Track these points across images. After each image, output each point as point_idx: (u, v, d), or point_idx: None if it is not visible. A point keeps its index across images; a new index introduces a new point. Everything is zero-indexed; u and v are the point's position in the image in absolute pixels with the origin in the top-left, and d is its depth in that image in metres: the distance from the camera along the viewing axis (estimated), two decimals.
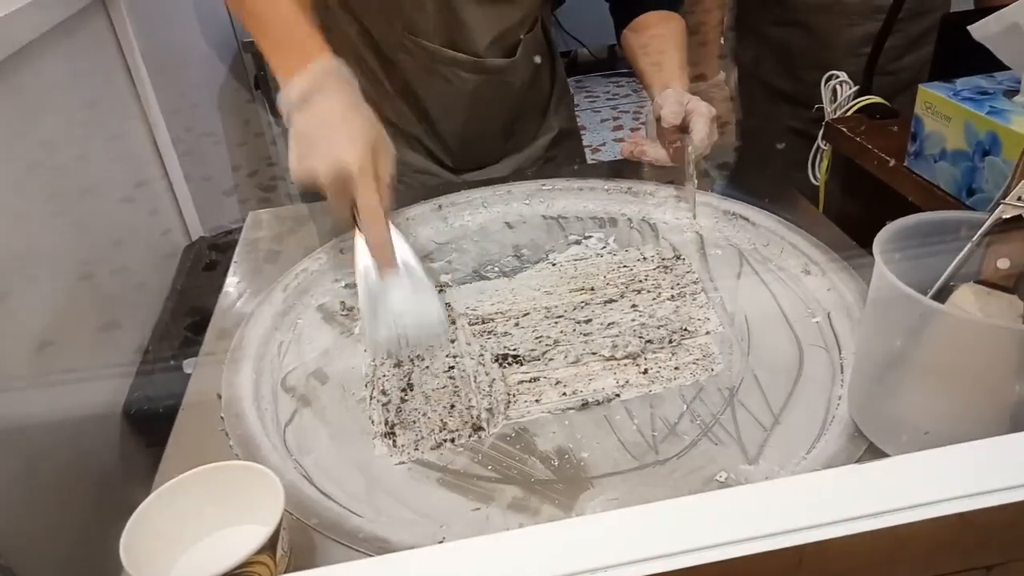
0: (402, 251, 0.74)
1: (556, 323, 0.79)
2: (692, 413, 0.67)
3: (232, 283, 0.89)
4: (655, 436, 0.65)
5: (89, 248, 1.21)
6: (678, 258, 0.89)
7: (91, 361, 1.17)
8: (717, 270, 0.87)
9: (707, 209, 0.96)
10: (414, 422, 0.68)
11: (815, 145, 1.15)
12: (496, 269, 0.90)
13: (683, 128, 0.93)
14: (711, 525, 0.37)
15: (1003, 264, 0.55)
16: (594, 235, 0.95)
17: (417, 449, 0.65)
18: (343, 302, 0.85)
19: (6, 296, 0.98)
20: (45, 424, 0.98)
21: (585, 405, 0.69)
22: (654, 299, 0.82)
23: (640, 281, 0.85)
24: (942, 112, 0.85)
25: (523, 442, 0.65)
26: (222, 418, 0.68)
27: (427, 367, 0.74)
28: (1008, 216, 0.55)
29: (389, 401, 0.70)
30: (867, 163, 1.01)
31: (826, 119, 1.12)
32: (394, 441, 0.66)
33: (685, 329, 0.77)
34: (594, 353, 0.74)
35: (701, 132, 0.90)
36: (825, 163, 1.13)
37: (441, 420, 0.68)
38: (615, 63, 4.12)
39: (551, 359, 0.74)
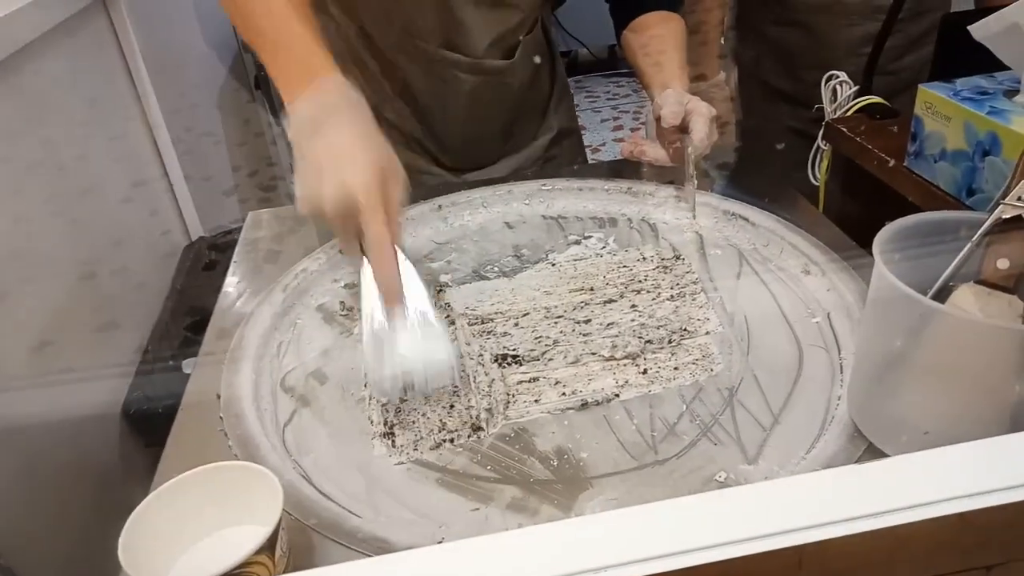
0: (412, 287, 0.68)
1: (556, 323, 0.79)
2: (691, 413, 0.67)
3: (232, 283, 0.89)
4: (654, 436, 0.65)
5: (89, 248, 1.21)
6: (678, 258, 0.89)
7: (90, 361, 1.16)
8: (717, 270, 0.87)
9: (707, 209, 0.96)
10: (413, 422, 0.68)
11: (815, 145, 1.15)
12: (496, 269, 0.89)
13: (683, 128, 0.93)
14: (710, 525, 0.37)
15: (1003, 264, 0.55)
16: (594, 235, 0.95)
17: (416, 449, 0.65)
18: (342, 302, 0.85)
19: (5, 296, 0.98)
20: (44, 424, 0.98)
21: (584, 405, 0.69)
22: (654, 299, 0.82)
23: (640, 281, 0.85)
24: (942, 112, 0.85)
25: (522, 442, 0.65)
26: (221, 418, 0.68)
27: None
28: (1008, 216, 0.55)
29: (388, 401, 0.70)
30: (867, 163, 1.01)
31: (826, 119, 1.12)
32: (393, 441, 0.66)
33: (685, 329, 0.77)
34: (593, 353, 0.74)
35: (701, 132, 0.90)
36: (825, 163, 1.13)
37: (440, 420, 0.67)
38: (615, 63, 4.12)
39: (550, 359, 0.74)
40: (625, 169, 1.06)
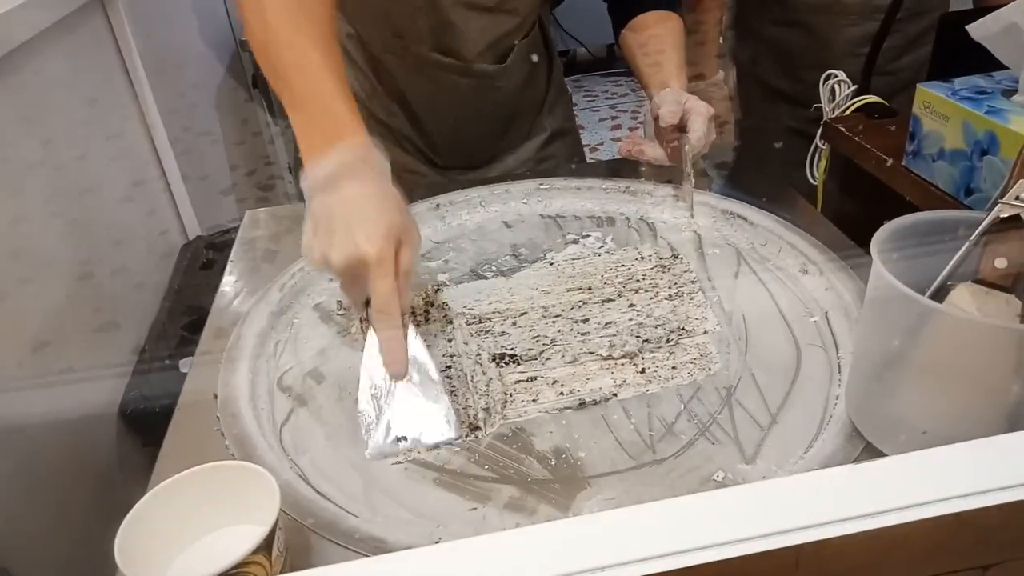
0: (415, 349, 0.66)
1: (553, 322, 0.79)
2: (689, 412, 0.67)
3: (229, 282, 0.89)
4: (652, 436, 0.65)
5: (86, 248, 1.21)
6: (676, 257, 0.89)
7: (88, 360, 1.16)
8: (715, 269, 0.86)
9: (705, 208, 0.96)
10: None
11: (813, 144, 1.15)
12: (494, 268, 0.89)
13: (681, 127, 0.93)
14: (708, 525, 0.36)
15: (1001, 263, 0.55)
16: (592, 234, 0.95)
17: (414, 449, 0.65)
18: (339, 302, 0.85)
19: (3, 296, 0.98)
20: (42, 424, 0.98)
21: (582, 405, 0.68)
22: (652, 298, 0.82)
23: (638, 280, 0.85)
24: (940, 111, 0.85)
25: (520, 442, 0.65)
26: (218, 418, 0.67)
27: None
28: (1006, 215, 0.55)
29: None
30: (865, 162, 1.01)
31: (824, 118, 1.12)
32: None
33: (683, 328, 0.77)
34: (591, 353, 0.74)
35: (699, 131, 0.90)
36: (823, 162, 1.13)
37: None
38: (613, 62, 4.12)
39: (548, 359, 0.74)
40: (623, 168, 1.06)
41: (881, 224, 0.59)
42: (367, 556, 0.54)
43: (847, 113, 1.10)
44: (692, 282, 0.84)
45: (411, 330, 0.66)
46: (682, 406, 0.68)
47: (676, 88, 0.95)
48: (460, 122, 1.10)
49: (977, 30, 0.83)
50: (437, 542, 0.56)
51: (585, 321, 0.79)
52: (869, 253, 0.56)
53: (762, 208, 0.93)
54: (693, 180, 0.95)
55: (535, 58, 1.11)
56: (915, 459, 0.39)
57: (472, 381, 0.72)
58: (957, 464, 0.39)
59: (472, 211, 1.01)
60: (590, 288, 0.84)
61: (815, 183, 1.16)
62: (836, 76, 1.11)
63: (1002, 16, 0.81)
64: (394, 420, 0.65)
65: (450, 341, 0.77)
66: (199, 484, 0.54)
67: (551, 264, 0.89)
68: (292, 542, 0.55)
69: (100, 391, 1.17)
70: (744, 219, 0.93)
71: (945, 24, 1.05)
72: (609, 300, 0.82)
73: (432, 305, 0.82)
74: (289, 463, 0.64)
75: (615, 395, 0.69)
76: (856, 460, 0.60)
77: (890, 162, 0.95)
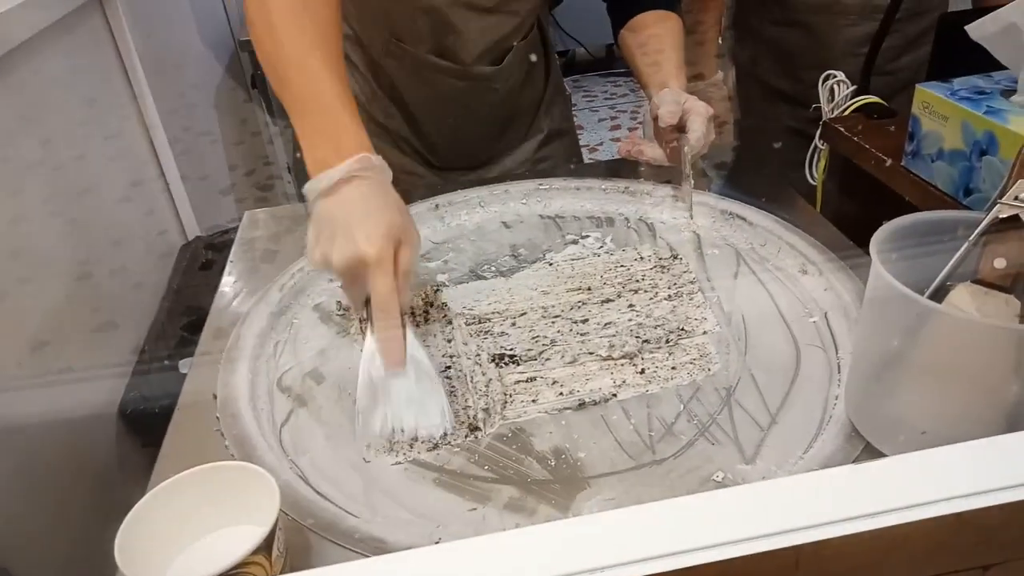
0: (412, 347, 0.67)
1: (553, 323, 0.79)
2: (689, 413, 0.67)
3: (228, 283, 0.89)
4: (652, 436, 0.65)
5: (85, 248, 1.21)
6: (675, 258, 0.89)
7: (87, 361, 1.16)
8: (714, 270, 0.87)
9: (704, 209, 0.96)
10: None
11: (812, 145, 1.15)
12: (493, 269, 0.89)
13: (680, 127, 0.93)
14: (708, 525, 0.36)
15: (1000, 264, 0.55)
16: (591, 235, 0.95)
17: (413, 449, 0.65)
18: (339, 302, 0.85)
19: (3, 296, 0.98)
20: (41, 424, 0.97)
21: (582, 405, 0.68)
22: (651, 299, 0.82)
23: (637, 281, 0.85)
24: (939, 112, 0.85)
25: (520, 442, 0.65)
26: (218, 418, 0.67)
27: None
28: (1005, 216, 0.55)
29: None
30: (864, 163, 1.01)
31: (824, 119, 1.12)
32: (390, 441, 0.66)
33: (682, 329, 0.77)
34: (591, 353, 0.74)
35: (698, 131, 0.90)
36: (822, 163, 1.13)
37: None
38: (613, 63, 4.12)
39: (548, 359, 0.74)
40: (622, 169, 1.06)
41: (880, 224, 0.59)
42: (367, 556, 0.54)
43: (846, 113, 1.10)
44: (691, 282, 0.84)
45: (409, 329, 0.67)
46: (682, 406, 0.68)
47: (675, 88, 0.95)
48: (458, 123, 1.10)
49: (976, 30, 0.83)
50: (437, 542, 0.56)
51: (584, 321, 0.79)
52: (868, 253, 0.56)
53: (761, 208, 0.93)
54: (692, 180, 0.95)
55: (533, 58, 1.11)
56: (915, 459, 0.39)
57: (472, 381, 0.72)
58: (957, 464, 0.39)
59: (471, 212, 1.01)
60: (589, 288, 0.84)
61: (814, 183, 1.16)
62: (835, 76, 1.11)
63: (1001, 16, 0.81)
64: (391, 414, 0.66)
65: (449, 341, 0.77)
66: (199, 484, 0.54)
67: (550, 264, 0.89)
68: (292, 542, 0.55)
69: (100, 391, 1.17)
70: (743, 219, 0.93)
71: (944, 24, 1.05)
72: (608, 300, 0.82)
73: (432, 305, 0.82)
74: (289, 463, 0.64)
75: (615, 395, 0.69)
76: (856, 460, 0.60)
77: (889, 162, 0.95)
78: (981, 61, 0.85)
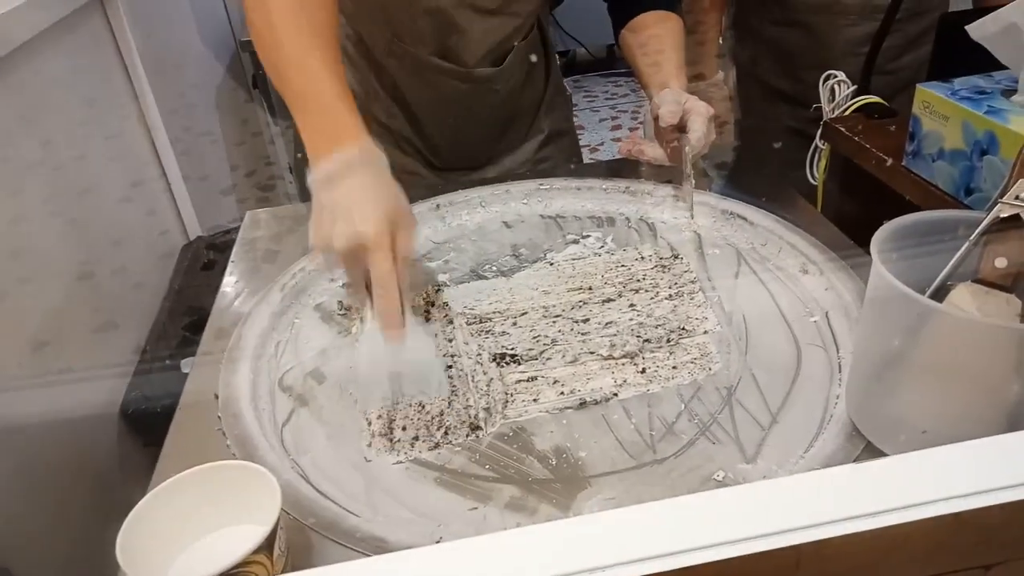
0: (409, 320, 0.70)
1: (554, 322, 0.79)
2: (690, 412, 0.67)
3: (230, 283, 0.89)
4: (653, 435, 0.65)
5: (87, 248, 1.21)
6: (676, 257, 0.89)
7: (89, 361, 1.16)
8: (715, 269, 0.87)
9: (705, 208, 0.96)
10: (412, 421, 0.68)
11: (813, 144, 1.15)
12: (494, 268, 0.89)
13: (681, 127, 0.93)
14: (709, 525, 0.36)
15: (1001, 263, 0.55)
16: (592, 234, 0.95)
17: (414, 448, 0.65)
18: (340, 302, 0.85)
19: (4, 296, 0.98)
20: (43, 424, 0.98)
21: (583, 404, 0.69)
22: (652, 298, 0.82)
23: (638, 280, 0.85)
24: (940, 111, 0.85)
25: (521, 441, 0.65)
26: (219, 418, 0.68)
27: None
28: (1006, 215, 0.55)
29: (386, 400, 0.70)
30: (865, 162, 1.01)
31: (824, 118, 1.12)
32: (391, 440, 0.66)
33: (683, 328, 0.77)
34: (592, 352, 0.74)
35: (699, 131, 0.90)
36: (823, 162, 1.13)
37: (439, 419, 0.67)
38: (613, 63, 4.12)
39: (549, 358, 0.74)
40: (623, 168, 1.06)
41: (881, 224, 0.59)
42: (368, 556, 0.54)
43: (847, 113, 1.10)
44: (692, 282, 0.84)
45: (407, 304, 0.70)
46: (682, 406, 0.68)
47: (676, 88, 0.95)
48: (459, 124, 1.10)
49: (976, 30, 0.83)
50: (438, 542, 0.56)
51: (585, 321, 0.79)
52: (869, 253, 0.56)
53: (762, 208, 0.93)
54: (693, 180, 0.95)
55: (533, 58, 1.11)
56: (916, 459, 0.39)
57: (473, 381, 0.72)
58: (958, 464, 0.39)
59: (472, 211, 1.01)
60: (590, 288, 0.84)
61: (815, 183, 1.16)
62: (836, 76, 1.11)
63: (1001, 16, 0.81)
64: (391, 378, 0.71)
65: (451, 341, 0.77)
66: (200, 484, 0.54)
67: (551, 264, 0.89)
68: (293, 542, 0.55)
69: (101, 391, 1.17)
70: (744, 219, 0.93)
71: (945, 24, 1.05)
72: (609, 300, 0.82)
73: (432, 305, 0.82)
74: (290, 463, 0.64)
75: (616, 395, 0.69)
76: (856, 460, 0.60)
77: (890, 162, 0.95)
78: (982, 61, 0.85)
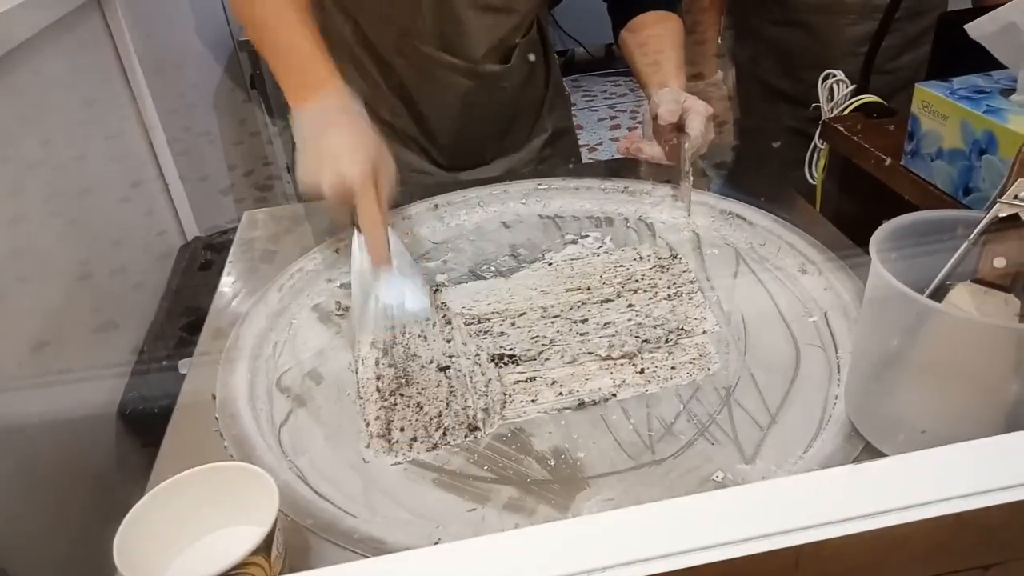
0: (396, 249, 0.80)
1: (552, 323, 0.79)
2: (689, 413, 0.67)
3: (227, 283, 0.88)
4: (651, 436, 0.65)
5: (85, 248, 1.21)
6: (675, 257, 0.89)
7: (87, 361, 1.16)
8: (714, 269, 0.86)
9: (704, 208, 0.96)
10: (410, 422, 0.67)
11: (812, 144, 1.15)
12: (492, 269, 0.89)
13: (679, 127, 0.93)
14: (708, 525, 0.36)
15: (999, 263, 0.55)
16: (590, 234, 0.95)
17: (412, 449, 0.65)
18: (338, 302, 0.85)
19: (3, 296, 0.98)
20: (40, 424, 0.97)
21: (581, 405, 0.68)
22: (650, 298, 0.82)
23: (636, 280, 0.85)
24: (939, 111, 0.85)
25: (519, 442, 0.65)
26: (217, 418, 0.67)
27: (422, 366, 0.74)
28: (1004, 215, 0.55)
29: (385, 401, 0.70)
30: (864, 162, 1.01)
31: (823, 118, 1.12)
32: (390, 441, 0.66)
33: (682, 328, 0.77)
34: (590, 353, 0.74)
35: (697, 130, 0.90)
36: (822, 162, 1.13)
37: (437, 420, 0.67)
38: (612, 62, 4.12)
39: (547, 359, 0.74)
40: (622, 168, 1.06)
41: (880, 224, 0.59)
42: (366, 557, 0.54)
43: (846, 113, 1.10)
44: (691, 282, 0.84)
45: (392, 235, 0.80)
46: (681, 406, 0.68)
47: (675, 87, 0.95)
48: (465, 122, 1.10)
49: (975, 29, 0.83)
50: (436, 543, 0.56)
51: (584, 321, 0.79)
52: (868, 253, 0.56)
53: (761, 208, 0.93)
54: (691, 178, 0.95)
55: (532, 57, 1.11)
56: (915, 459, 0.39)
57: (471, 381, 0.72)
58: (957, 464, 0.39)
59: (470, 211, 1.01)
60: (589, 288, 0.84)
61: (814, 183, 1.16)
62: (835, 76, 1.11)
63: (1000, 15, 0.81)
64: (382, 306, 0.78)
65: (449, 342, 0.77)
66: (198, 485, 0.54)
67: (550, 264, 0.89)
68: (291, 543, 0.55)
69: (99, 391, 1.17)
70: (743, 219, 0.93)
71: (944, 23, 1.05)
72: (608, 300, 0.82)
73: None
74: (288, 464, 0.64)
75: (614, 395, 0.69)
76: (855, 460, 0.59)
77: (889, 161, 0.95)
78: (980, 60, 0.85)
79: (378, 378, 0.73)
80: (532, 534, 0.37)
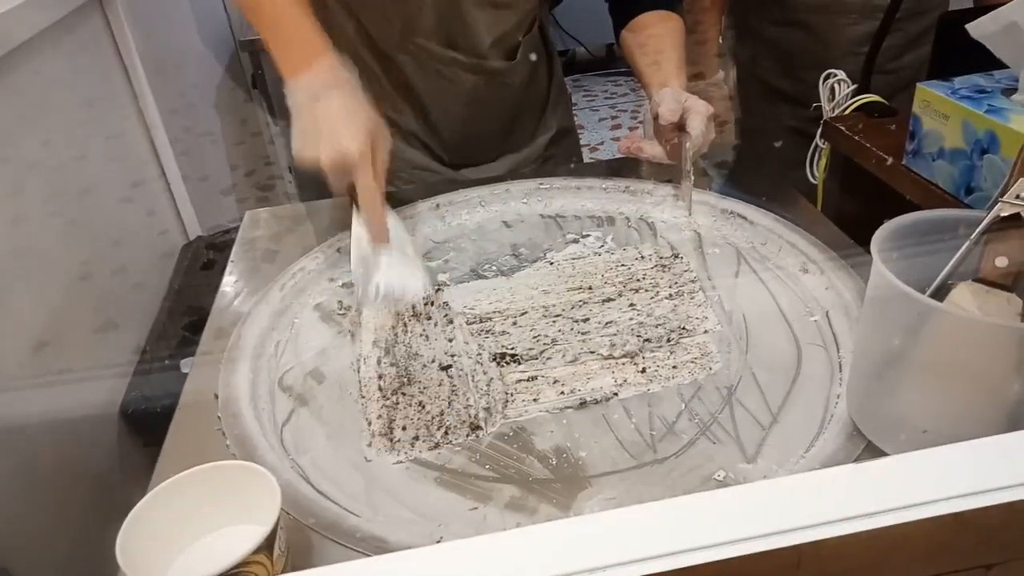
0: (393, 226, 0.83)
1: (554, 322, 0.79)
2: (690, 412, 0.67)
3: (229, 282, 0.89)
4: (653, 435, 0.65)
5: (87, 248, 1.21)
6: (676, 257, 0.89)
7: (89, 361, 1.16)
8: (715, 269, 0.86)
9: (705, 208, 0.96)
10: (412, 421, 0.68)
11: (813, 144, 1.14)
12: (494, 268, 0.89)
13: (680, 126, 0.93)
14: (709, 525, 0.36)
15: (1001, 262, 0.55)
16: (592, 234, 0.95)
17: (414, 448, 0.65)
18: (340, 301, 0.85)
19: (4, 296, 0.98)
20: (43, 424, 0.98)
21: (583, 404, 0.68)
22: (652, 298, 0.82)
23: (638, 280, 0.85)
24: (940, 110, 0.85)
25: (521, 441, 0.65)
26: (219, 418, 0.67)
27: (424, 365, 0.74)
28: (1006, 214, 0.55)
29: (387, 400, 0.70)
30: (865, 161, 1.01)
31: (824, 118, 1.12)
32: (392, 440, 0.66)
33: (683, 328, 0.77)
34: (592, 352, 0.74)
35: (698, 129, 0.90)
36: (823, 162, 1.13)
37: (439, 419, 0.67)
38: (613, 62, 4.12)
39: (549, 358, 0.74)
40: (623, 168, 1.06)
41: (881, 223, 0.59)
42: (368, 556, 0.54)
43: (847, 112, 1.10)
44: (692, 281, 0.84)
45: (389, 212, 0.82)
46: (683, 405, 0.68)
47: (676, 87, 0.95)
48: (468, 119, 1.10)
49: (977, 29, 0.83)
50: (438, 542, 0.56)
51: (585, 320, 0.79)
52: (869, 252, 0.56)
53: (762, 207, 0.93)
54: (692, 177, 0.95)
55: (533, 57, 1.11)
56: (916, 458, 0.39)
57: (473, 381, 0.72)
58: (958, 463, 0.39)
59: (472, 211, 1.01)
60: (590, 288, 0.84)
61: (815, 182, 1.16)
62: (836, 75, 1.11)
63: (1002, 15, 0.81)
64: (381, 281, 0.79)
65: (451, 341, 0.77)
66: (200, 484, 0.54)
67: (551, 264, 0.89)
68: (293, 542, 0.55)
69: (101, 391, 1.17)
70: (744, 218, 0.93)
71: (945, 23, 1.05)
72: (609, 300, 0.82)
73: (432, 305, 0.82)
74: (290, 463, 0.64)
75: (616, 394, 0.69)
76: (857, 459, 0.59)
77: (890, 161, 0.95)
78: (982, 60, 0.85)
79: (380, 377, 0.73)
80: (534, 533, 0.37)
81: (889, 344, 0.58)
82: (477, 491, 0.61)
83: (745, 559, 0.35)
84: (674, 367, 0.72)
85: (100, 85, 1.38)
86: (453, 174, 1.15)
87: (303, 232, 0.98)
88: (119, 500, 0.56)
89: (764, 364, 0.72)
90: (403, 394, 0.70)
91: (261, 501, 0.51)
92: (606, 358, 0.74)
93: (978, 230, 0.56)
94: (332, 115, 0.79)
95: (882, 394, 0.60)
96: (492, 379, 0.72)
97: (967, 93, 0.83)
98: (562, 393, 0.70)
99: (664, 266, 0.87)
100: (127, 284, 1.33)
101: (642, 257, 0.89)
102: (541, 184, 1.03)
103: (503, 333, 0.78)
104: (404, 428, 0.67)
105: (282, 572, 0.51)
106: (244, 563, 0.48)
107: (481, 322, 0.80)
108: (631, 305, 0.81)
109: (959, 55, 0.90)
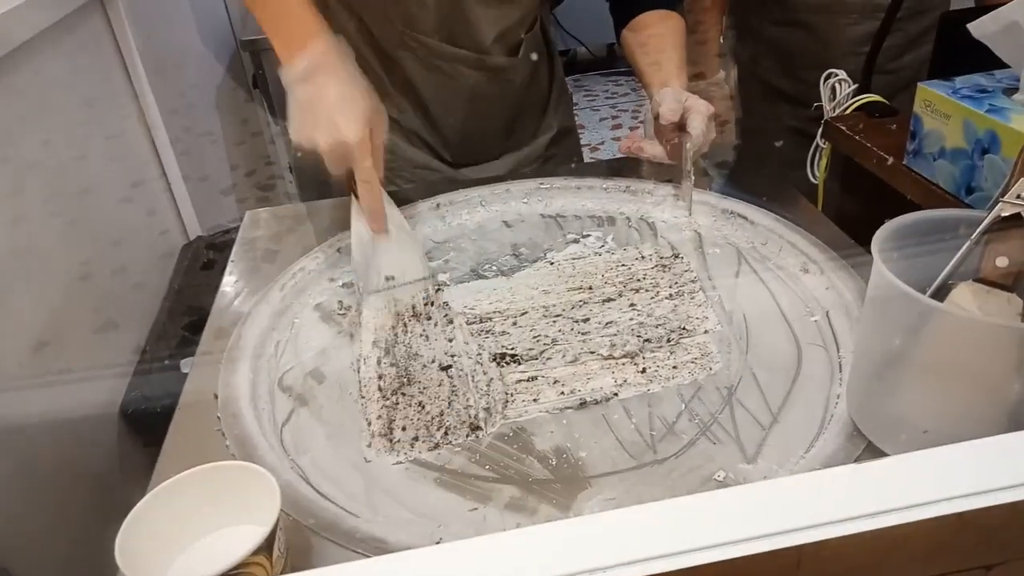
0: (392, 213, 0.83)
1: (554, 322, 0.79)
2: (690, 412, 0.67)
3: (229, 282, 0.89)
4: (653, 435, 0.65)
5: (87, 248, 1.21)
6: (676, 257, 0.88)
7: (88, 361, 1.16)
8: (715, 269, 0.86)
9: (705, 208, 0.96)
10: (412, 421, 0.67)
11: (814, 143, 1.14)
12: (494, 268, 0.89)
13: (681, 126, 0.93)
14: (709, 525, 0.36)
15: (1002, 262, 0.55)
16: (592, 234, 0.95)
17: (414, 448, 0.65)
18: (340, 301, 0.85)
19: (4, 296, 0.98)
20: (42, 424, 0.97)
21: (583, 404, 0.68)
22: (652, 298, 0.82)
23: (638, 280, 0.85)
24: (941, 110, 0.84)
25: (521, 441, 0.65)
26: (219, 418, 0.67)
27: (424, 365, 0.74)
28: (1007, 214, 0.55)
29: (387, 400, 0.70)
30: (866, 161, 1.00)
31: (825, 117, 1.11)
32: (391, 441, 0.66)
33: (683, 328, 0.77)
34: (592, 352, 0.74)
35: (699, 129, 0.90)
36: (824, 161, 1.13)
37: (439, 419, 0.67)
38: (614, 62, 4.12)
39: (549, 358, 0.74)
40: (624, 168, 1.06)
41: (882, 223, 0.58)
42: (368, 556, 0.54)
43: (848, 112, 1.10)
44: (693, 281, 0.84)
45: (386, 197, 0.82)
46: (683, 405, 0.68)
47: (676, 87, 0.95)
48: (470, 117, 1.10)
49: (978, 28, 0.83)
50: (438, 542, 0.56)
51: (586, 321, 0.79)
52: (870, 252, 0.56)
53: (763, 207, 0.93)
54: (692, 177, 0.95)
55: (534, 57, 1.11)
56: (917, 459, 0.39)
57: (473, 381, 0.72)
58: (959, 464, 0.39)
59: (472, 211, 1.01)
60: (591, 288, 0.84)
61: (816, 182, 1.16)
62: (836, 75, 1.11)
63: (1003, 14, 0.81)
64: (380, 265, 0.81)
65: (451, 341, 0.77)
66: (200, 484, 0.54)
67: (551, 264, 0.89)
68: (293, 542, 0.55)
69: (101, 391, 1.17)
70: (745, 218, 0.92)
71: (946, 23, 1.05)
72: (610, 300, 0.82)
73: (432, 305, 0.82)
74: (290, 463, 0.64)
75: (616, 395, 0.69)
76: (857, 459, 0.59)
77: (891, 161, 0.95)
78: (983, 59, 0.85)
79: (380, 377, 0.73)
80: (533, 534, 0.37)
81: (889, 344, 0.58)
82: (477, 491, 0.61)
83: (745, 559, 0.35)
84: (674, 367, 0.72)
85: (100, 85, 1.38)
86: (454, 173, 1.15)
87: (303, 232, 0.98)
88: (119, 500, 0.56)
89: (764, 364, 0.72)
90: (403, 394, 0.70)
91: (261, 501, 0.51)
92: (606, 358, 0.73)
93: (979, 230, 0.56)
94: (330, 100, 0.79)
95: (882, 394, 0.60)
96: (492, 379, 0.72)
97: (968, 93, 0.83)
98: (562, 393, 0.70)
99: (664, 266, 0.87)
100: (127, 284, 1.33)
101: (642, 257, 0.89)
102: (541, 184, 1.03)
103: (503, 333, 0.78)
104: (404, 428, 0.67)
105: (282, 573, 0.51)
106: (244, 564, 0.48)
107: (481, 322, 0.80)
108: (631, 305, 0.81)
109: (960, 55, 0.90)
